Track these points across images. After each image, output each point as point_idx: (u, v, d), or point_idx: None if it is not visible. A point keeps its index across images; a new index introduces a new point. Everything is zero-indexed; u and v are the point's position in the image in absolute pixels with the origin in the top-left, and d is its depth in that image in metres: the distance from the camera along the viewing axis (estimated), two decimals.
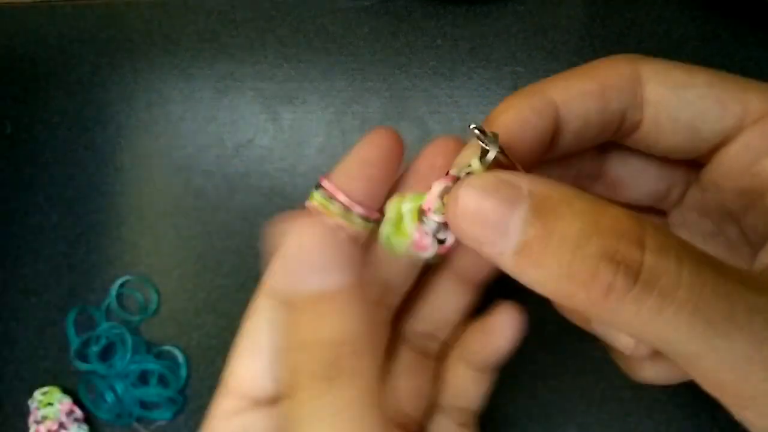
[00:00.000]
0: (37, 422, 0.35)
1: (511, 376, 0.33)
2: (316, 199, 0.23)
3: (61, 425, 0.35)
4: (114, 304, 0.37)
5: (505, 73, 0.37)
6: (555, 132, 0.21)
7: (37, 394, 0.36)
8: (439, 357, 0.28)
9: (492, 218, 0.16)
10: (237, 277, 0.37)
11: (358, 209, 0.23)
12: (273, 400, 0.21)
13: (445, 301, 0.27)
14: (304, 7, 0.39)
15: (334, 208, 0.22)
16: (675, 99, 0.21)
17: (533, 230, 0.15)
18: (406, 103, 0.37)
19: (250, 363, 0.22)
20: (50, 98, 0.40)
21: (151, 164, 0.39)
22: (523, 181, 0.16)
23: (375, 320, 0.25)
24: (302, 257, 0.18)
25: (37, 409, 0.36)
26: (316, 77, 0.38)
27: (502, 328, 0.26)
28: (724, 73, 0.21)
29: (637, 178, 0.25)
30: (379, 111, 0.37)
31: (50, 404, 0.35)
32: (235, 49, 0.39)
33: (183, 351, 0.37)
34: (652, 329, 0.15)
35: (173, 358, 0.37)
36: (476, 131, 0.18)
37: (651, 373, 0.23)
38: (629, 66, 0.21)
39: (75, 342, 0.37)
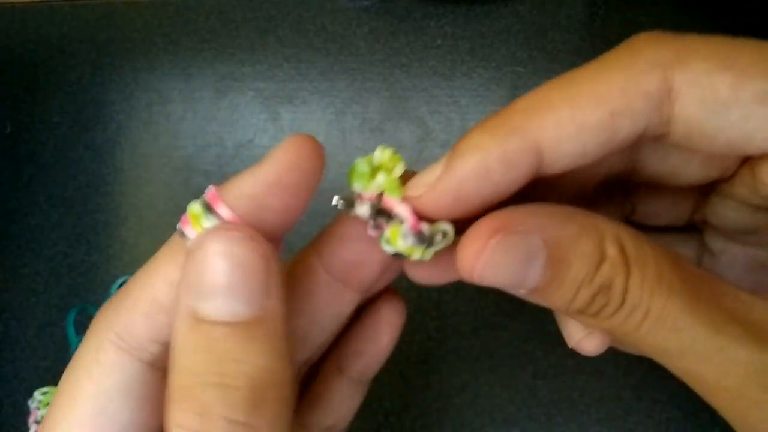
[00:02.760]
0: (37, 422, 0.35)
1: (511, 376, 0.33)
2: (192, 208, 0.17)
3: None
4: None
5: (505, 73, 0.37)
6: (533, 178, 0.18)
7: (37, 394, 0.36)
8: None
9: (512, 273, 0.17)
10: None
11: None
12: None
13: (339, 402, 0.24)
14: (304, 7, 0.39)
15: (207, 222, 0.17)
16: (714, 120, 0.16)
17: (547, 278, 0.17)
18: (406, 103, 0.37)
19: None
20: (50, 98, 0.40)
21: (151, 164, 0.39)
22: (536, 231, 0.17)
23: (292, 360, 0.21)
24: (236, 276, 0.16)
25: (37, 409, 0.36)
26: (316, 77, 0.38)
27: (384, 331, 0.23)
28: None
29: (659, 207, 0.23)
30: (379, 111, 0.37)
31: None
32: (235, 49, 0.39)
33: None
34: (643, 343, 0.17)
35: None
36: (425, 228, 0.18)
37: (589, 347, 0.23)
38: (657, 76, 0.16)
39: (75, 342, 0.37)
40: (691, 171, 0.20)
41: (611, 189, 0.22)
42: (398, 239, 0.18)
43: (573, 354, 0.35)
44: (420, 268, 0.21)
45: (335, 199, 0.19)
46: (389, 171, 0.18)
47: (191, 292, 0.16)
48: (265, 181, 0.17)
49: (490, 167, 0.17)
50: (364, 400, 0.24)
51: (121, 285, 0.37)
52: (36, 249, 0.39)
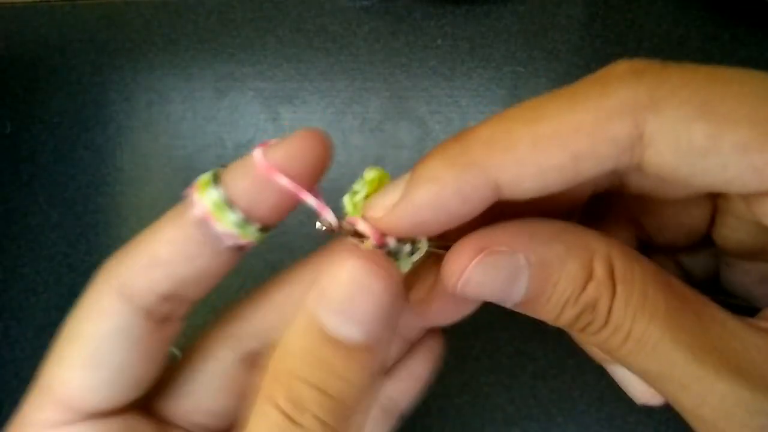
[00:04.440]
0: None
1: (511, 376, 0.33)
2: (210, 199, 0.19)
3: None
4: None
5: (505, 73, 0.37)
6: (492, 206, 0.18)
7: None
8: None
9: (496, 290, 0.18)
10: (237, 277, 0.37)
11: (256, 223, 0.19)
12: (108, 413, 0.20)
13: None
14: (304, 7, 0.39)
15: (233, 216, 0.19)
16: (689, 167, 0.15)
17: (531, 295, 0.17)
18: (406, 103, 0.37)
19: (88, 374, 0.19)
20: (50, 98, 0.40)
21: (151, 164, 0.39)
22: (520, 250, 0.17)
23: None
24: (364, 306, 0.17)
25: None
26: (316, 77, 0.38)
27: (418, 370, 0.25)
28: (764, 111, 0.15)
29: (668, 227, 0.22)
30: (379, 111, 0.37)
31: None
32: (235, 49, 0.39)
33: (182, 351, 0.37)
34: (625, 363, 0.18)
35: (173, 358, 0.37)
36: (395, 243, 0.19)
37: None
38: (628, 121, 0.15)
39: None
40: (677, 189, 0.20)
41: (614, 207, 0.22)
42: None
43: (573, 354, 0.35)
44: (424, 308, 0.21)
45: (317, 225, 0.20)
46: (373, 189, 0.19)
47: (322, 299, 0.17)
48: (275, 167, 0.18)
49: (445, 200, 0.16)
50: None
51: None
52: (36, 249, 0.39)
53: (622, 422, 0.33)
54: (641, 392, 0.22)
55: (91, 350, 0.19)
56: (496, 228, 0.18)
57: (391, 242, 0.19)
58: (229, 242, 0.19)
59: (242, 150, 0.38)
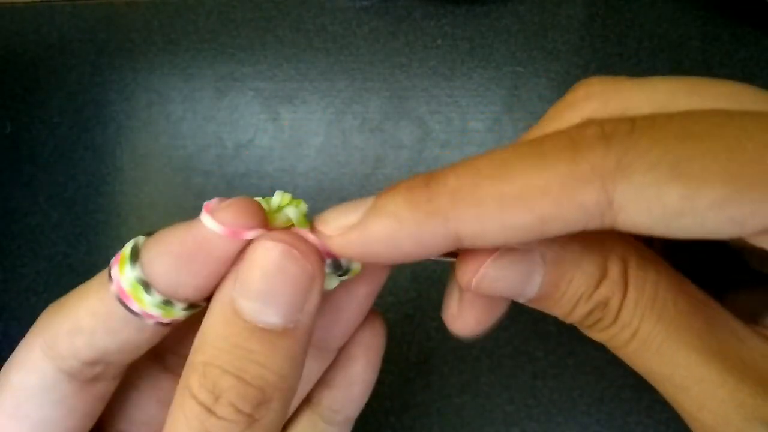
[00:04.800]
0: None
1: (511, 376, 0.33)
2: (126, 279, 0.18)
3: None
4: None
5: (505, 73, 0.37)
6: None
7: None
8: None
9: (510, 286, 0.18)
10: None
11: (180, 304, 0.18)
12: None
13: None
14: (304, 7, 0.39)
15: (149, 299, 0.17)
16: (664, 226, 0.15)
17: (546, 290, 0.18)
18: (406, 103, 0.37)
19: (12, 424, 0.19)
20: (50, 98, 0.40)
21: (151, 164, 0.39)
22: (536, 248, 0.17)
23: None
24: (279, 288, 0.17)
25: None
26: (316, 77, 0.38)
27: (361, 373, 0.23)
28: (744, 160, 0.14)
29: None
30: (379, 111, 0.37)
31: None
32: (235, 49, 0.39)
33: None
34: (629, 361, 0.18)
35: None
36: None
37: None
38: (596, 187, 0.15)
39: None
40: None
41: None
42: None
43: (573, 354, 0.35)
44: (458, 323, 0.21)
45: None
46: (296, 206, 0.19)
47: (238, 284, 0.17)
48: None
49: (401, 240, 0.16)
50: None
51: None
52: (36, 249, 0.39)
53: (622, 422, 0.33)
54: (446, 308, 0.21)
55: (16, 401, 0.19)
56: None
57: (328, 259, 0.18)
58: (151, 321, 0.18)
59: (242, 150, 0.38)
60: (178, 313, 0.18)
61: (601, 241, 0.18)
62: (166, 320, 0.18)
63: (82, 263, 0.38)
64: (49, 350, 0.19)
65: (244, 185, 0.37)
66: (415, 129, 0.37)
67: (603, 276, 0.17)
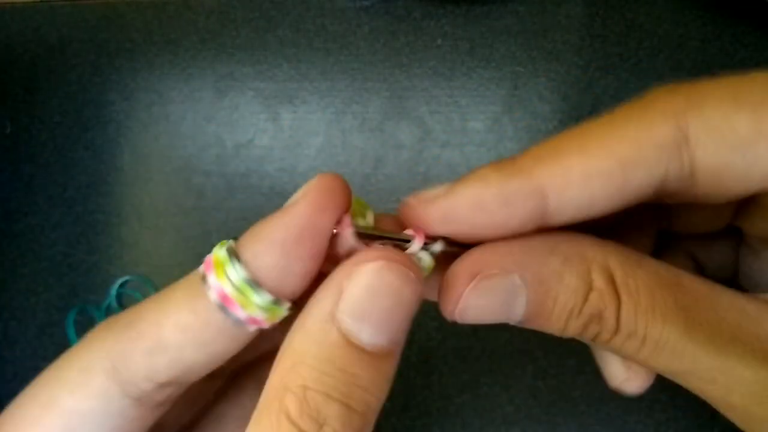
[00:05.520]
0: None
1: (511, 376, 0.33)
2: (218, 254, 0.17)
3: None
4: (114, 304, 0.37)
5: (505, 73, 0.37)
6: (539, 226, 0.17)
7: None
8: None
9: (494, 312, 0.18)
10: None
11: (287, 303, 0.17)
12: None
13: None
14: (304, 7, 0.39)
15: (260, 299, 0.17)
16: (741, 159, 0.16)
17: (532, 310, 0.17)
18: (406, 103, 0.37)
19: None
20: (50, 98, 0.40)
21: (151, 164, 0.39)
22: (515, 270, 0.17)
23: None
24: (395, 314, 0.16)
25: None
26: (316, 77, 0.38)
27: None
28: None
29: (696, 220, 0.22)
30: (379, 111, 0.37)
31: None
32: (235, 49, 0.39)
33: None
34: (646, 365, 0.17)
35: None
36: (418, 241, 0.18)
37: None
38: (671, 124, 0.16)
39: (75, 342, 0.37)
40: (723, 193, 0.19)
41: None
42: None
43: (573, 354, 0.35)
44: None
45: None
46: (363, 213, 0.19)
47: (344, 305, 0.16)
48: (295, 226, 0.17)
49: (488, 199, 0.16)
50: None
51: (121, 285, 0.37)
52: (36, 249, 0.39)
53: (622, 422, 0.33)
54: (615, 377, 0.22)
55: (68, 426, 0.17)
56: (488, 248, 0.18)
57: (415, 246, 0.18)
58: (253, 327, 0.17)
59: (242, 150, 0.38)
60: (284, 313, 0.17)
61: (581, 253, 0.17)
62: (268, 324, 0.17)
63: (82, 263, 0.38)
64: (117, 375, 0.17)
65: (244, 185, 0.37)
66: (415, 129, 0.37)
67: (588, 288, 0.17)
